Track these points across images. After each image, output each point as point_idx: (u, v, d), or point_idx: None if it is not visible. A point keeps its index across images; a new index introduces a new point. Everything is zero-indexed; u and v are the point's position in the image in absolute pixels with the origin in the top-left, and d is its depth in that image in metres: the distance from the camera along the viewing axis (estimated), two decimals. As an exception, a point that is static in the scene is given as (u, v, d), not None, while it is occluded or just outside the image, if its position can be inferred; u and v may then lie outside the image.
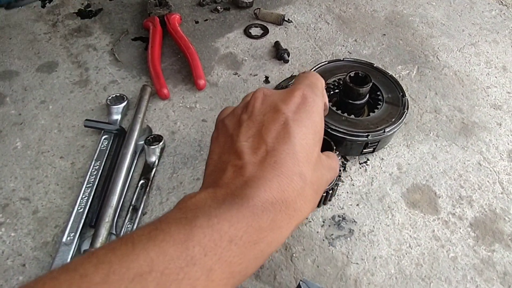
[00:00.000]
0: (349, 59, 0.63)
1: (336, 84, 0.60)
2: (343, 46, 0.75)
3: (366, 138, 0.52)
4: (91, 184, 0.52)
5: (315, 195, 0.28)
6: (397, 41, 0.76)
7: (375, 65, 0.61)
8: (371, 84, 0.53)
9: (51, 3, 0.82)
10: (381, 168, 0.56)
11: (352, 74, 0.54)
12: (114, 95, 0.61)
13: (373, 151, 0.56)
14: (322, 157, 0.30)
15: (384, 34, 0.78)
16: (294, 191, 0.26)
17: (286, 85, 0.64)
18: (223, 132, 0.30)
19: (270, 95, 0.29)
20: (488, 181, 0.56)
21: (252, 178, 0.25)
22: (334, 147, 0.48)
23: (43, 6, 0.81)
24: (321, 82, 0.32)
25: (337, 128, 0.52)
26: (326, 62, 0.62)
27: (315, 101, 0.29)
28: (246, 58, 0.72)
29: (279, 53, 0.71)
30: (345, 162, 0.57)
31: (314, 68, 0.60)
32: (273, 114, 0.27)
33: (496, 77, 0.70)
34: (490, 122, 0.63)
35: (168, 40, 0.74)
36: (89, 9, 0.82)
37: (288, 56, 0.71)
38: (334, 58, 0.69)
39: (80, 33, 0.76)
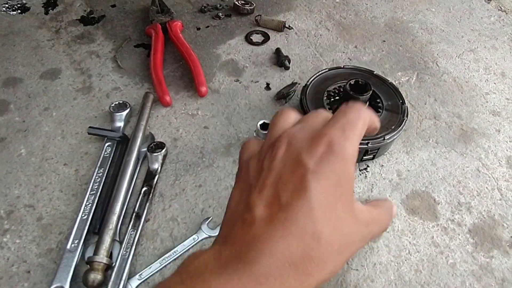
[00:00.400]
0: (349, 67, 0.64)
1: (337, 92, 0.61)
2: (344, 52, 0.76)
3: (366, 146, 0.53)
4: (94, 191, 0.52)
5: (336, 257, 0.24)
6: (397, 48, 0.77)
7: (375, 72, 0.62)
8: (371, 92, 0.54)
9: (54, 10, 0.83)
10: (381, 174, 0.57)
11: (352, 82, 0.55)
12: (117, 102, 0.62)
13: (373, 158, 0.57)
14: (357, 210, 0.26)
15: (384, 41, 0.78)
16: (304, 253, 0.23)
17: (286, 92, 0.64)
18: (245, 177, 0.28)
19: (295, 142, 0.26)
20: (486, 187, 0.56)
21: (258, 237, 0.23)
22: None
23: (46, 13, 0.82)
24: (362, 119, 0.27)
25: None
26: (327, 70, 0.62)
27: (343, 148, 0.25)
28: (247, 65, 0.73)
29: (280, 60, 0.71)
30: (345, 168, 0.57)
31: (315, 76, 0.61)
32: (293, 165, 0.25)
33: (495, 83, 0.71)
34: (489, 129, 0.64)
35: (170, 47, 0.75)
36: (92, 16, 0.82)
37: (289, 63, 0.71)
38: (335, 65, 0.70)
39: (83, 40, 0.77)
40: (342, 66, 0.63)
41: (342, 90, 0.58)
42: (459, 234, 0.51)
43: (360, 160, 0.56)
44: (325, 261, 0.24)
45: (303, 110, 0.56)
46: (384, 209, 0.29)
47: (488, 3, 0.89)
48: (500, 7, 0.88)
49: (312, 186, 0.23)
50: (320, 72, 0.62)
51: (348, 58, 0.75)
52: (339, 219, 0.24)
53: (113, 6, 0.85)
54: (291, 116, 0.30)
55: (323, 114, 0.29)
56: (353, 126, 0.26)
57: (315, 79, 0.61)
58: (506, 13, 0.86)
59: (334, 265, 0.24)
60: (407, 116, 0.56)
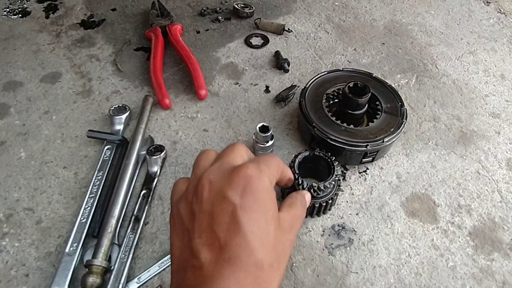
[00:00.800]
0: (348, 69, 0.64)
1: (336, 94, 0.61)
2: (343, 55, 0.76)
3: (365, 148, 0.53)
4: (93, 194, 0.52)
5: (278, 272, 0.28)
6: (396, 50, 0.77)
7: (374, 75, 0.62)
8: (369, 94, 0.54)
9: (55, 14, 0.83)
10: (381, 177, 0.57)
11: (351, 84, 0.55)
12: (116, 106, 0.62)
13: (372, 160, 0.57)
14: (282, 221, 0.30)
15: (383, 43, 0.78)
16: (253, 281, 0.26)
17: (286, 95, 0.64)
18: (179, 222, 0.30)
19: (216, 181, 0.29)
20: (486, 189, 0.56)
21: (210, 278, 0.26)
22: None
23: (47, 17, 0.83)
24: (277, 161, 0.32)
25: (336, 138, 0.53)
26: (326, 72, 0.63)
27: (261, 179, 0.29)
28: (247, 68, 0.73)
29: (279, 63, 0.71)
30: (345, 171, 0.57)
31: (314, 79, 0.61)
32: (221, 203, 0.28)
33: (494, 85, 0.71)
34: (489, 131, 0.63)
35: (170, 50, 0.75)
36: (92, 19, 0.83)
37: (288, 66, 0.71)
38: (334, 68, 0.70)
39: (83, 44, 0.77)
40: (341, 69, 0.63)
41: (341, 92, 0.58)
42: (459, 237, 0.51)
43: (359, 162, 0.56)
44: (271, 281, 0.27)
45: (302, 113, 0.56)
46: (298, 204, 0.34)
47: (487, 5, 0.89)
48: (499, 9, 0.88)
49: (244, 220, 0.27)
50: (319, 75, 0.62)
51: (348, 60, 0.75)
52: (273, 240, 0.28)
53: (114, 9, 0.85)
54: (211, 155, 0.33)
55: (238, 149, 0.32)
56: (267, 163, 0.30)
57: (314, 81, 0.61)
58: (505, 15, 0.86)
59: (279, 279, 0.28)
60: (406, 119, 0.56)
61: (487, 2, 0.90)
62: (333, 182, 0.50)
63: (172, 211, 0.32)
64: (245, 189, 0.28)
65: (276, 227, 0.29)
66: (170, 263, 0.47)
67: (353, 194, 0.55)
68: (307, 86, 0.60)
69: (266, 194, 0.29)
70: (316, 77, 0.62)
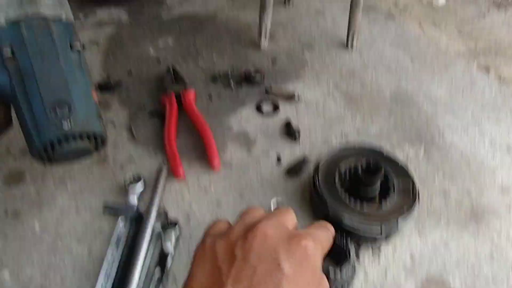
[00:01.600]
0: (359, 147, 0.65)
1: (348, 173, 0.62)
2: (352, 125, 0.78)
3: (379, 232, 0.53)
4: (107, 273, 0.52)
5: None
6: (403, 119, 0.79)
7: (385, 154, 0.63)
8: (382, 174, 0.55)
9: (73, 77, 0.86)
10: (394, 257, 0.57)
11: (363, 164, 0.56)
12: (131, 177, 0.63)
13: (385, 239, 0.57)
14: None
15: (391, 112, 0.81)
16: None
17: (297, 169, 0.66)
18: (210, 255, 0.28)
19: (272, 238, 0.27)
20: (501, 273, 0.56)
21: None
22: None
23: (65, 80, 0.85)
24: (329, 240, 0.32)
25: (350, 223, 0.54)
26: (338, 150, 0.64)
27: (315, 256, 0.28)
28: (258, 136, 0.74)
29: (289, 132, 0.73)
30: (359, 249, 0.57)
31: (326, 157, 0.62)
32: (270, 266, 0.26)
33: (501, 158, 0.72)
34: (500, 207, 0.64)
35: (183, 116, 0.77)
36: (108, 82, 0.86)
37: (299, 136, 0.73)
38: (343, 137, 0.72)
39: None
40: (353, 146, 0.65)
41: (353, 171, 0.60)
42: (476, 325, 0.50)
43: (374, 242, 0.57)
44: None
45: (317, 192, 0.57)
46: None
47: (487, 73, 0.92)
48: (499, 77, 0.91)
49: None
50: (332, 153, 0.63)
51: (357, 129, 0.77)
52: None
53: (129, 73, 0.89)
54: (260, 213, 0.32)
55: (292, 215, 0.32)
56: (322, 238, 0.30)
57: (327, 159, 0.62)
58: (507, 86, 0.89)
59: None
60: (419, 198, 0.57)
61: (486, 70, 0.93)
62: (349, 266, 0.50)
63: (204, 241, 0.29)
64: (298, 263, 0.26)
65: None
66: None
67: (367, 277, 0.54)
68: (319, 163, 0.61)
69: (314, 272, 0.27)
70: (329, 154, 0.63)
